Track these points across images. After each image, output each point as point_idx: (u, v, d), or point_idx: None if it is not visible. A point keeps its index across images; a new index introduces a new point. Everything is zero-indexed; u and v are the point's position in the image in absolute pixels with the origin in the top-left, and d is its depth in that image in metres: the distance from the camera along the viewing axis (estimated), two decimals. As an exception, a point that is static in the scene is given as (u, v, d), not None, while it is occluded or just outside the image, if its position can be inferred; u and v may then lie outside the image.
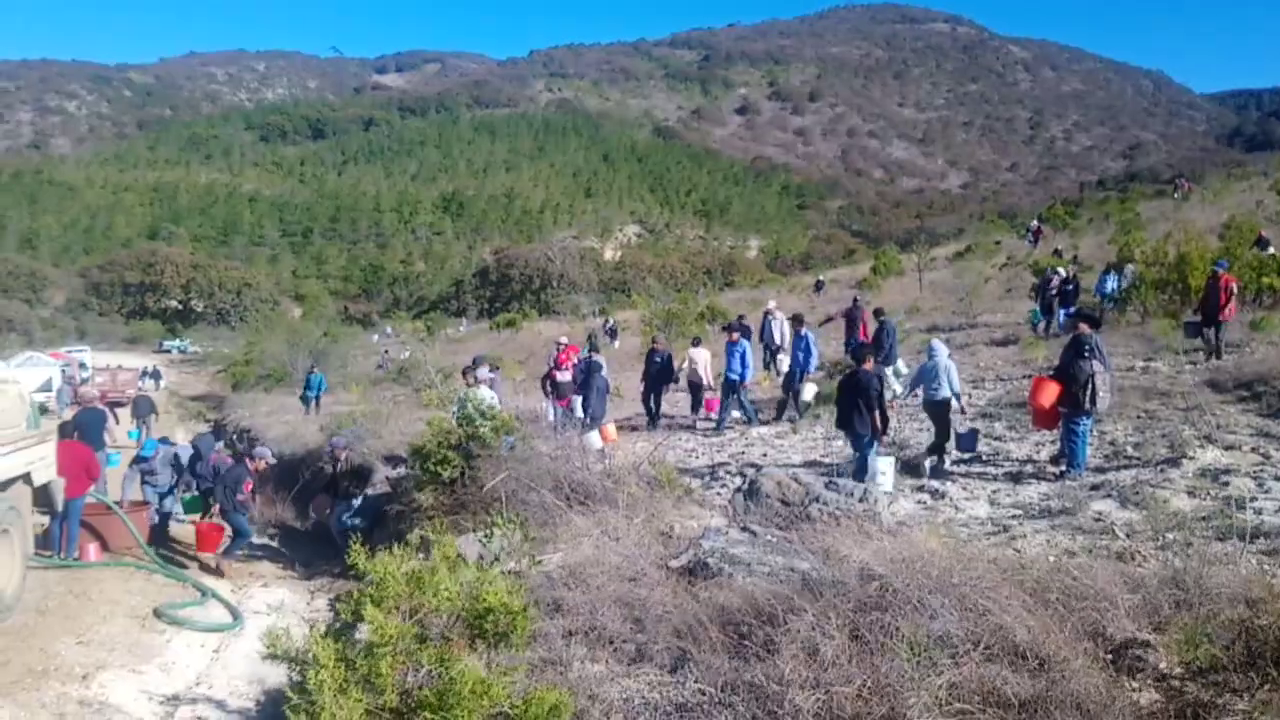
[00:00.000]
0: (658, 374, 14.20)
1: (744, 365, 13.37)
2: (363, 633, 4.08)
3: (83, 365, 45.88)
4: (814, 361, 14.40)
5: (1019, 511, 8.32)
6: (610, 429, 11.73)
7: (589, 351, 14.74)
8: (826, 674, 4.03)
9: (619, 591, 5.73)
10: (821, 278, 46.62)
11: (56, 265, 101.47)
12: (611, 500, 8.80)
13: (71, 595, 8.65)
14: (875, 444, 9.59)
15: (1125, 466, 9.40)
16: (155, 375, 47.90)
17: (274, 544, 13.44)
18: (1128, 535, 6.71)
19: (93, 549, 10.25)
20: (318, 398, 25.46)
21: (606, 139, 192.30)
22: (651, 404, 14.46)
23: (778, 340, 17.02)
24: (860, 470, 9.41)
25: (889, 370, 14.37)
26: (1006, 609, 4.45)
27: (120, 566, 10.06)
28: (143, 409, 25.28)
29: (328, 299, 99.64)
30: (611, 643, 5.14)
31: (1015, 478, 9.66)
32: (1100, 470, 9.40)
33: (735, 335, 13.64)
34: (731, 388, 13.29)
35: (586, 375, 13.57)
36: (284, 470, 16.51)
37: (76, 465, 9.79)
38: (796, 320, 15.12)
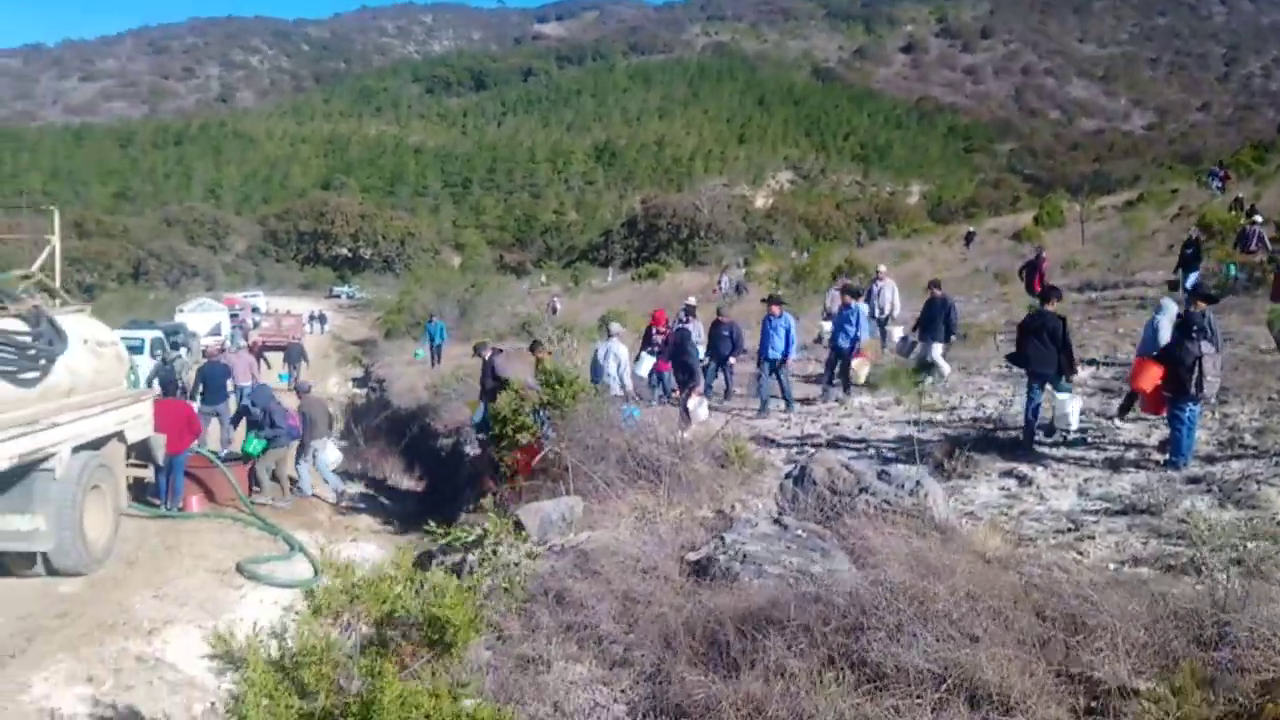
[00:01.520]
0: (723, 348, 13.32)
1: (788, 343, 12.40)
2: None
3: (255, 310, 48.87)
4: (863, 336, 13.28)
5: (1104, 505, 7.69)
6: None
7: (684, 316, 14.21)
8: (773, 707, 3.80)
9: (627, 585, 5.60)
10: (973, 229, 44.32)
11: (238, 214, 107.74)
12: (675, 476, 8.67)
13: (164, 548, 9.23)
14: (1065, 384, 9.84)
15: (1238, 456, 8.54)
16: (322, 319, 49.93)
17: (380, 498, 13.99)
18: (1201, 543, 6.07)
19: (195, 500, 10.91)
20: (438, 348, 25.23)
21: (763, 82, 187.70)
22: (723, 379, 13.63)
23: (886, 309, 16.15)
24: (1029, 420, 9.69)
25: (938, 347, 13.37)
26: (999, 639, 4.09)
27: (219, 519, 10.69)
28: (293, 355, 26.66)
29: (484, 248, 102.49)
30: (600, 643, 5.04)
31: (1115, 464, 8.93)
32: (1210, 460, 8.57)
33: (778, 309, 12.63)
34: (771, 366, 12.42)
35: (677, 347, 12.96)
36: (394, 425, 17.06)
37: (178, 421, 10.41)
38: (847, 291, 13.78)
